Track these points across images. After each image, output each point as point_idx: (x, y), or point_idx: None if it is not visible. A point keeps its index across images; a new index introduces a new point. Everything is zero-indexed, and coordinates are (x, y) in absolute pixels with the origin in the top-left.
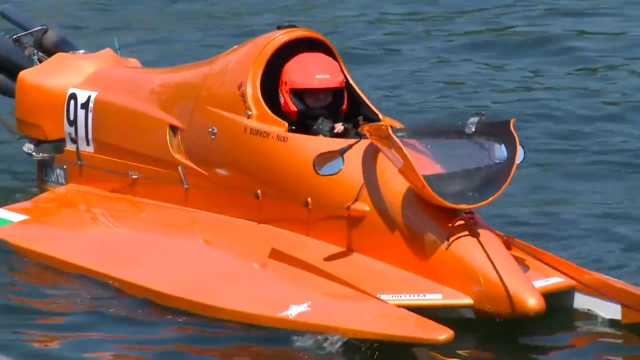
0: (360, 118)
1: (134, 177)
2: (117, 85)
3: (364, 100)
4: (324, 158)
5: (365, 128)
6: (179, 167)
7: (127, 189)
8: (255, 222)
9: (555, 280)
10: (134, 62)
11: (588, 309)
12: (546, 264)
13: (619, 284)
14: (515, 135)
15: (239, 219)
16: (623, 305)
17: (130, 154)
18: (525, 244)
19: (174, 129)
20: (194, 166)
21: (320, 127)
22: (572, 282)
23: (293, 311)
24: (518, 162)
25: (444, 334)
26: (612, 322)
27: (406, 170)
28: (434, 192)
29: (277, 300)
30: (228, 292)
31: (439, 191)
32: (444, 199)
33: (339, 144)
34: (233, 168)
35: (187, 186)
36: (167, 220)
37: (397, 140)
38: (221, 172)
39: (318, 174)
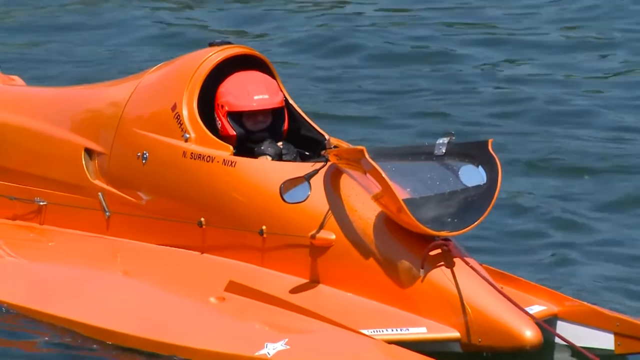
0: (328, 140)
1: (40, 203)
2: (12, 105)
3: (305, 119)
4: (290, 184)
5: (332, 153)
6: (99, 194)
7: (32, 216)
8: (198, 252)
9: (538, 309)
10: (18, 80)
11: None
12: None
13: (609, 312)
14: (495, 156)
15: (178, 249)
16: (617, 335)
17: (36, 180)
18: (500, 271)
19: (90, 152)
20: (118, 192)
21: (267, 150)
22: (555, 310)
23: (270, 349)
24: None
25: None
26: (601, 352)
27: (384, 195)
28: (414, 217)
29: (249, 337)
30: (190, 329)
31: (416, 217)
32: (424, 224)
33: (297, 168)
34: (170, 195)
35: (109, 213)
36: (87, 250)
37: (374, 163)
38: (155, 199)
39: (286, 202)
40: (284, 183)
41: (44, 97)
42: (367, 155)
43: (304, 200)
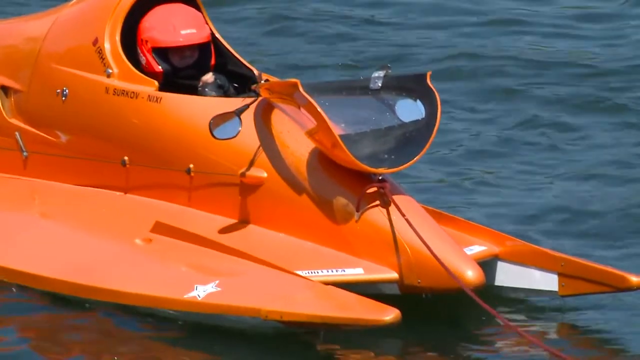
0: (259, 74)
1: None
2: None
3: (232, 54)
4: (220, 120)
5: (263, 87)
6: (16, 133)
7: None
8: (121, 192)
9: (478, 249)
10: None
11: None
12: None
13: (553, 252)
14: (434, 89)
15: (100, 189)
16: (561, 275)
17: None
18: (438, 211)
19: (5, 90)
20: (37, 132)
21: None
22: (495, 251)
23: (200, 292)
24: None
25: (390, 314)
26: (545, 294)
27: (319, 130)
28: (350, 153)
29: (178, 279)
30: (116, 272)
31: (352, 154)
32: (360, 161)
33: (226, 103)
34: (92, 133)
35: (26, 154)
36: (2, 192)
37: (309, 97)
38: (76, 137)
39: (215, 138)
40: (213, 118)
41: None
42: (301, 89)
43: (235, 137)
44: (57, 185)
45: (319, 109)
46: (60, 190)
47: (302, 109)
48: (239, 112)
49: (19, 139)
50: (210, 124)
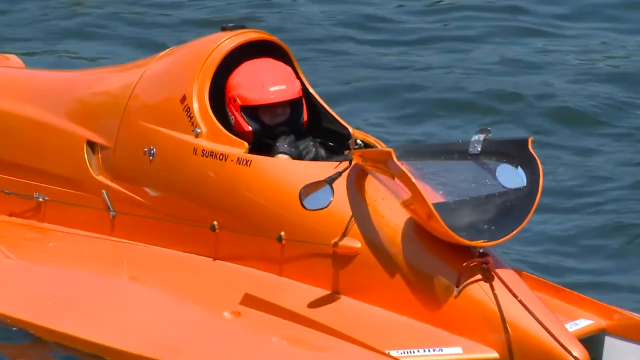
0: (353, 140)
1: (40, 200)
2: (6, 89)
3: (327, 111)
4: (311, 189)
5: (357, 154)
6: (103, 191)
7: (31, 213)
8: (210, 258)
9: (584, 323)
10: (15, 60)
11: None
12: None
13: None
14: (536, 156)
15: (189, 254)
16: None
17: (34, 173)
18: (543, 280)
19: (92, 145)
20: (124, 191)
21: (283, 147)
22: (603, 325)
23: None
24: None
25: None
26: None
27: (414, 200)
28: (445, 225)
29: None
30: (204, 349)
31: (447, 224)
32: (456, 233)
33: (319, 168)
34: (180, 195)
35: (114, 213)
36: (90, 253)
37: (403, 167)
38: (164, 199)
39: (306, 209)
40: (303, 188)
41: (43, 81)
42: (394, 158)
43: (326, 207)
44: (145, 248)
45: (413, 180)
46: (149, 253)
47: (396, 178)
48: (331, 181)
49: (106, 197)
50: (300, 193)
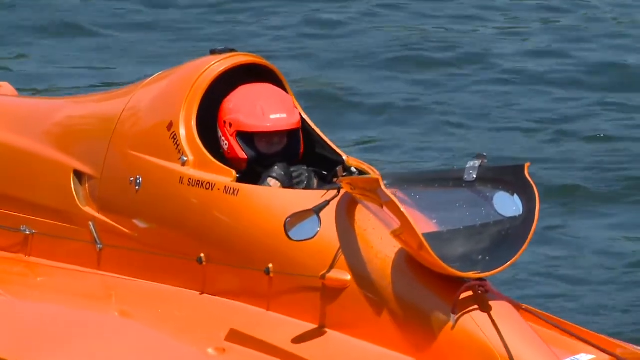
0: (340, 168)
1: (27, 233)
2: None
3: (320, 137)
4: (296, 219)
5: (345, 181)
6: (90, 223)
7: (18, 247)
8: (197, 291)
9: (585, 359)
10: (6, 87)
11: None
12: (579, 338)
13: None
14: (532, 183)
15: (176, 288)
16: None
17: (21, 205)
18: (542, 313)
19: (79, 175)
20: (110, 222)
21: (273, 172)
22: (607, 358)
23: None
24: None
25: None
26: None
27: (402, 231)
28: (437, 256)
29: None
30: None
31: (440, 255)
32: (449, 264)
33: (307, 197)
34: (167, 226)
35: (100, 246)
36: (77, 288)
37: (391, 195)
38: (150, 230)
39: (291, 239)
40: (289, 217)
41: (29, 109)
42: (382, 186)
43: (313, 237)
44: (132, 283)
45: (402, 209)
46: (135, 288)
47: (384, 207)
48: (318, 210)
49: (93, 229)
50: (285, 223)
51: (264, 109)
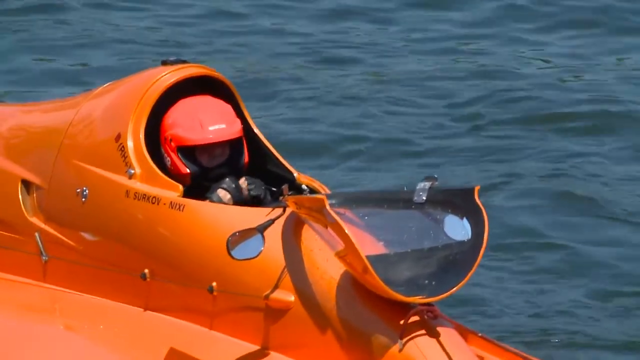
0: (286, 186)
1: None
2: None
3: (272, 154)
4: (240, 237)
5: (291, 200)
6: (36, 234)
7: None
8: (141, 308)
9: None
10: None
11: None
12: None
13: None
14: (482, 207)
15: (120, 304)
16: None
17: None
18: (485, 337)
19: (27, 184)
20: (56, 234)
21: (223, 184)
22: None
23: None
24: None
25: None
26: None
27: (347, 253)
28: (381, 279)
29: None
30: None
31: (386, 278)
32: (393, 289)
33: (254, 215)
34: (111, 240)
35: (46, 258)
36: (22, 300)
37: (336, 216)
38: (95, 244)
39: (233, 258)
40: (232, 236)
41: None
42: (327, 206)
43: (256, 257)
44: (76, 297)
45: (347, 230)
46: (79, 302)
47: (329, 227)
48: (262, 229)
49: (39, 240)
50: (228, 241)
51: (202, 121)
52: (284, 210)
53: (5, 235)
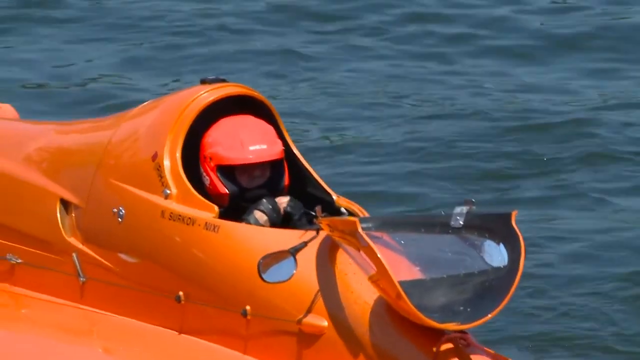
0: (319, 208)
1: (13, 262)
2: None
3: (310, 174)
4: (271, 260)
5: (324, 222)
6: (74, 254)
7: (4, 276)
8: (176, 331)
9: None
10: (8, 109)
11: None
12: None
13: None
14: (519, 232)
15: (154, 326)
16: None
17: (8, 233)
18: None
19: (66, 203)
20: (93, 254)
21: (261, 206)
22: None
23: None
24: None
25: None
26: None
27: (379, 278)
28: (414, 306)
29: None
30: None
31: (420, 304)
32: (427, 315)
33: (289, 237)
34: (147, 261)
35: (83, 279)
36: (60, 322)
37: (369, 240)
38: (132, 265)
39: (264, 281)
40: (263, 258)
41: (19, 133)
42: (359, 229)
43: (287, 280)
44: (113, 319)
45: (379, 255)
46: (116, 324)
47: (361, 251)
48: (294, 252)
49: (76, 261)
50: (259, 264)
51: (244, 141)
52: (318, 233)
53: (45, 255)
